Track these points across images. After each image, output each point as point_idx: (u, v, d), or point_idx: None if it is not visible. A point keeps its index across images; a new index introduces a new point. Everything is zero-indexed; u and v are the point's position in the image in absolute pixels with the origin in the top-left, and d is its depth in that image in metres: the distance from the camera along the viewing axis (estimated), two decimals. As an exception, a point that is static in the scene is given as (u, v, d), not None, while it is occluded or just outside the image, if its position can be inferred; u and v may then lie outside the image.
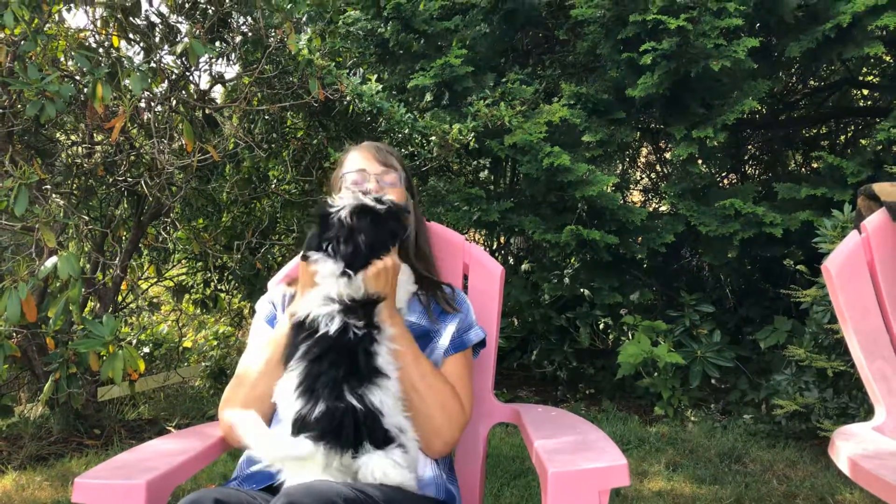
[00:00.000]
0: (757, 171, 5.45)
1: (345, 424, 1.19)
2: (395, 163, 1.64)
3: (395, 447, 1.23)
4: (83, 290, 2.69)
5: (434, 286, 1.61)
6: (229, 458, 3.08)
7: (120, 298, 3.97)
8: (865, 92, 5.30)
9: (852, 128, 5.16)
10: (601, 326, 4.49)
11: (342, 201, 1.37)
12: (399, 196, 1.59)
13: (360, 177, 1.60)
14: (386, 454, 1.22)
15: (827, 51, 3.60)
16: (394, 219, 1.39)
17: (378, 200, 1.39)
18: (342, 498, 1.03)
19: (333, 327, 1.27)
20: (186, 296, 4.69)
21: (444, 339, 1.53)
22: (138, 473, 1.19)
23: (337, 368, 1.24)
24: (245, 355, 1.54)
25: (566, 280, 4.24)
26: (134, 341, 2.61)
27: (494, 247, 5.30)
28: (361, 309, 1.31)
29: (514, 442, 3.36)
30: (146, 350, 4.70)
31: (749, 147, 5.35)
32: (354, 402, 1.21)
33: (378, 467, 1.21)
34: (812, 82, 5.24)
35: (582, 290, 4.25)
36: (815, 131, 5.24)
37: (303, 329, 1.30)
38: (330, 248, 1.33)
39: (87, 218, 3.60)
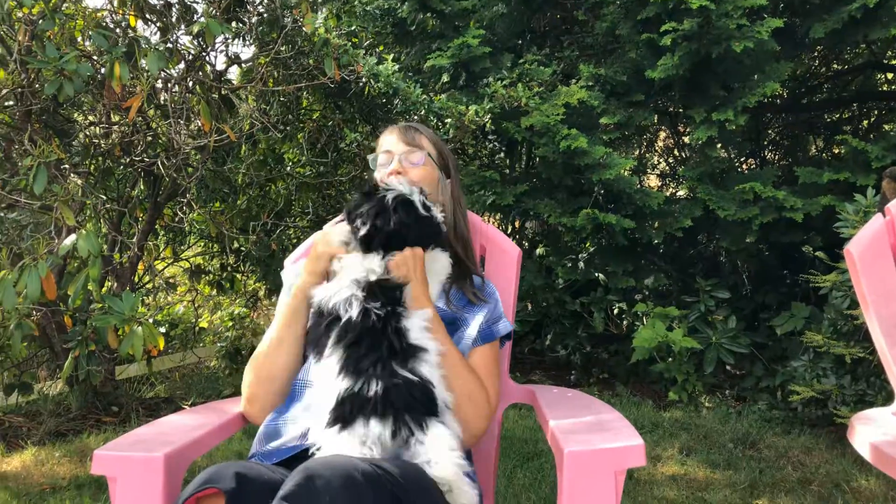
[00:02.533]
0: (777, 156, 5.37)
1: (415, 397, 1.21)
2: (424, 141, 1.63)
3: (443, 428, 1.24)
4: (101, 268, 2.71)
5: (465, 274, 1.58)
6: (245, 437, 3.11)
7: (136, 279, 4.01)
8: (890, 76, 5.20)
9: (876, 112, 5.07)
10: (615, 311, 4.47)
11: (393, 186, 1.43)
12: (424, 174, 1.58)
13: (386, 158, 1.61)
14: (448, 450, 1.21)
15: (852, 32, 3.53)
16: (428, 225, 1.42)
17: (425, 206, 1.42)
18: (360, 472, 1.03)
19: (354, 312, 1.29)
20: (203, 277, 4.72)
21: (472, 328, 1.52)
22: (156, 446, 1.20)
23: (378, 349, 1.25)
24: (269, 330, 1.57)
25: (581, 264, 4.22)
26: (151, 321, 2.63)
27: (509, 231, 5.29)
28: (381, 292, 1.32)
29: (527, 424, 3.37)
30: (163, 330, 4.74)
31: (769, 131, 5.28)
32: (409, 375, 1.23)
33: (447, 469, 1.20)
34: (835, 65, 5.14)
35: (597, 274, 4.22)
36: (837, 116, 5.15)
37: (324, 315, 1.33)
38: (360, 220, 1.37)
39: (104, 198, 3.63)
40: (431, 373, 1.26)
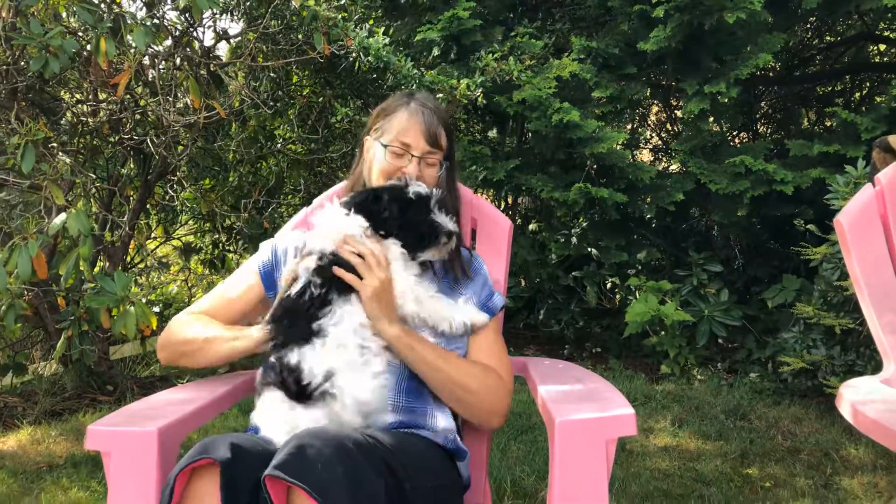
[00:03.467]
0: (769, 130, 5.37)
1: (284, 379, 1.31)
2: (443, 139, 1.52)
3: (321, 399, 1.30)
4: (92, 248, 2.70)
5: (454, 251, 1.55)
6: (240, 414, 3.13)
7: (128, 258, 3.99)
8: (883, 47, 5.18)
9: (868, 84, 5.06)
10: (608, 286, 4.49)
11: (416, 187, 1.45)
12: (434, 176, 1.53)
13: (402, 150, 1.49)
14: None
15: (845, 3, 3.51)
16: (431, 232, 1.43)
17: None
18: (352, 441, 1.04)
19: (295, 288, 1.37)
20: (195, 256, 4.71)
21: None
22: (150, 421, 1.21)
23: (288, 332, 1.35)
24: (217, 289, 1.59)
25: (573, 239, 4.23)
26: (144, 300, 2.63)
27: (502, 206, 5.28)
28: (325, 269, 1.37)
29: (520, 398, 3.39)
30: (156, 310, 4.74)
31: (762, 104, 5.26)
32: (276, 362, 1.33)
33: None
34: (828, 37, 5.12)
35: (589, 249, 4.23)
36: (829, 88, 5.13)
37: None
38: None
39: (93, 176, 3.60)
40: (308, 356, 1.31)
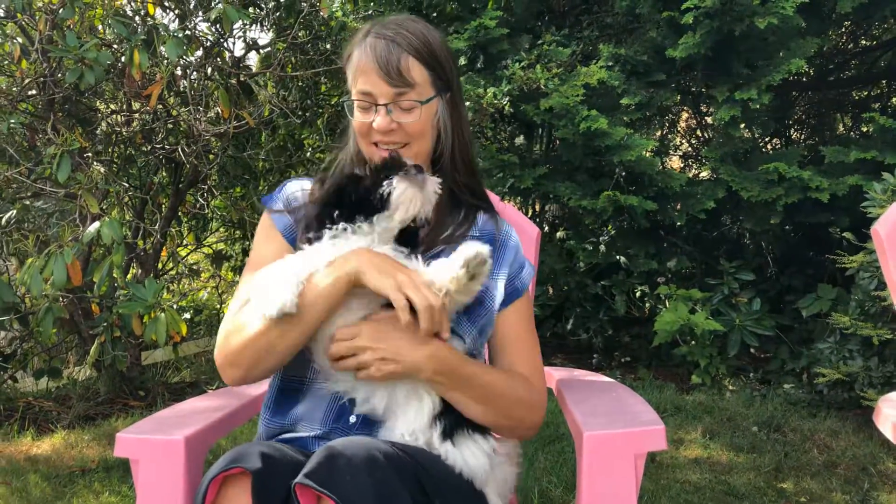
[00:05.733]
0: (802, 136, 5.26)
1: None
2: (413, 67, 1.21)
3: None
4: (125, 255, 2.75)
5: (468, 212, 1.37)
6: (268, 420, 3.14)
7: (160, 265, 4.06)
8: (921, 51, 5.05)
9: (906, 89, 4.93)
10: (637, 294, 4.43)
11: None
12: (424, 121, 1.25)
13: (367, 102, 1.23)
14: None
15: (881, 6, 3.43)
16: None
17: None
18: (382, 453, 1.04)
19: None
20: (225, 263, 4.77)
21: (500, 294, 1.33)
22: (177, 429, 1.22)
23: None
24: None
25: (602, 247, 4.19)
26: (175, 307, 2.67)
27: (529, 214, 5.26)
28: None
29: (548, 408, 3.35)
30: (187, 316, 4.80)
31: (795, 110, 5.16)
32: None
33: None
34: (864, 41, 5.01)
35: (618, 257, 4.19)
36: (865, 93, 5.02)
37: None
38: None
39: (127, 185, 3.67)
40: None
